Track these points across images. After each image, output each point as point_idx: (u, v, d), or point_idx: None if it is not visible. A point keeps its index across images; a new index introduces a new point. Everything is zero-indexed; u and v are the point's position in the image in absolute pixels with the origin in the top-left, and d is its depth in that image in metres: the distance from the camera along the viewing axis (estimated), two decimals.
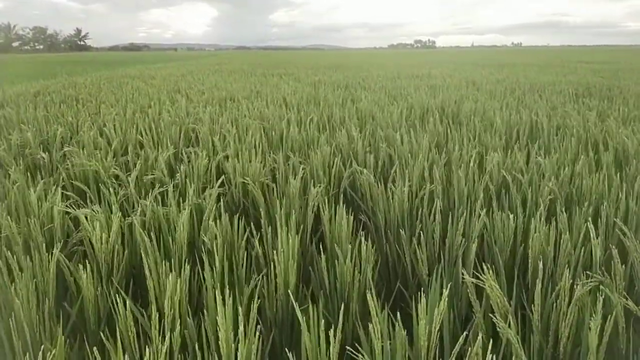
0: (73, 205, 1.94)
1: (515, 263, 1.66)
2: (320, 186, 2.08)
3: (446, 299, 1.12)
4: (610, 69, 12.64)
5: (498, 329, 1.16)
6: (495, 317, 1.17)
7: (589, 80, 8.35)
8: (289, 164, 2.57)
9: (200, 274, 1.47)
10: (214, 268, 1.43)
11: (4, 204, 1.90)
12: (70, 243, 1.79)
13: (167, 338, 1.09)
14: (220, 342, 1.07)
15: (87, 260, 1.46)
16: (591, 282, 1.21)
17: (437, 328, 1.11)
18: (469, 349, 1.08)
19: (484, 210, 1.75)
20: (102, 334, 1.21)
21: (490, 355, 1.00)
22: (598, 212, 1.75)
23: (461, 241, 1.61)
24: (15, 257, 1.40)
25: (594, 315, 1.08)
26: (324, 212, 1.81)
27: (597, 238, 1.42)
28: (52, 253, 1.42)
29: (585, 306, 1.19)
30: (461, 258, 1.57)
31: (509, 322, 1.17)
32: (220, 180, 2.24)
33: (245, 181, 2.25)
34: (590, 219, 1.60)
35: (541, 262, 1.33)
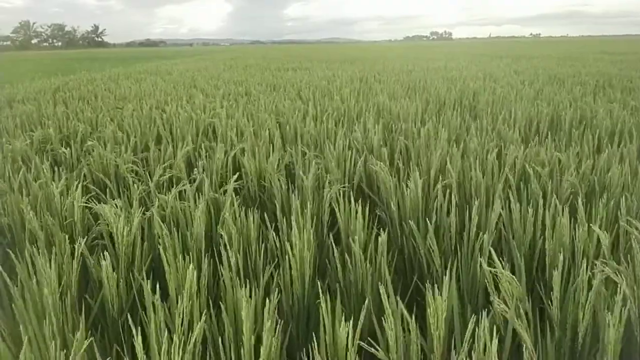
0: (94, 200, 1.98)
1: (534, 256, 1.65)
2: (335, 180, 2.08)
3: (454, 283, 1.12)
4: (631, 59, 12.37)
5: (502, 316, 1.16)
6: (505, 306, 1.17)
7: (610, 71, 8.18)
8: (304, 159, 2.58)
9: (218, 266, 1.49)
10: (231, 261, 1.44)
11: (27, 198, 1.94)
12: (91, 236, 1.82)
13: (187, 328, 1.11)
14: (243, 332, 1.09)
15: (107, 253, 1.49)
16: (604, 272, 1.19)
17: (444, 316, 1.11)
18: (484, 341, 1.07)
19: (502, 203, 1.73)
20: (124, 323, 1.23)
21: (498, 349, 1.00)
22: (619, 205, 1.73)
23: (478, 233, 1.60)
24: (38, 250, 1.43)
25: (609, 307, 1.07)
26: (337, 205, 1.81)
27: (606, 233, 1.40)
28: (74, 246, 1.45)
29: (603, 298, 1.17)
30: (478, 251, 1.56)
31: (525, 313, 1.16)
32: (236, 175, 2.26)
33: (261, 178, 2.27)
34: (603, 212, 1.57)
35: (561, 254, 1.32)
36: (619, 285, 1.12)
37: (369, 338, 1.20)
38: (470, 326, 1.08)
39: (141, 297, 1.25)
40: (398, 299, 1.20)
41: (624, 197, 1.72)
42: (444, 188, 2.04)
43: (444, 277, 1.19)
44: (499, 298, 1.27)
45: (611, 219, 1.73)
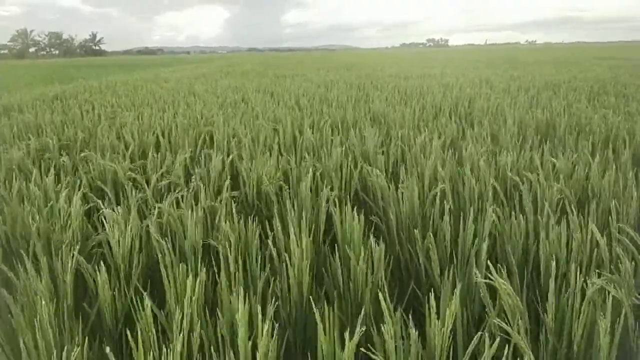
0: (92, 208, 1.99)
1: (527, 261, 1.66)
2: (331, 187, 2.09)
3: (458, 300, 1.13)
4: (626, 65, 12.45)
5: (508, 330, 1.17)
6: (503, 318, 1.18)
7: (605, 77, 8.23)
8: (301, 166, 2.59)
9: (216, 274, 1.50)
10: (229, 269, 1.45)
11: (26, 207, 1.95)
12: (89, 245, 1.83)
13: (184, 338, 1.12)
14: (239, 341, 1.09)
15: (105, 261, 1.50)
16: (601, 280, 1.21)
17: (450, 328, 1.12)
18: (484, 349, 1.08)
19: (496, 210, 1.75)
20: (120, 332, 1.24)
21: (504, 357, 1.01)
22: (611, 211, 1.74)
23: (473, 241, 1.61)
24: (36, 258, 1.44)
25: (603, 314, 1.08)
26: (335, 213, 1.83)
27: (603, 237, 1.41)
28: (72, 255, 1.46)
29: (597, 305, 1.19)
30: (474, 258, 1.57)
31: (519, 322, 1.17)
32: (233, 181, 2.27)
33: (259, 186, 2.28)
34: (596, 218, 1.59)
35: (553, 262, 1.33)
36: (609, 292, 1.14)
37: (369, 343, 1.21)
38: (475, 341, 1.09)
39: (138, 306, 1.26)
40: (399, 310, 1.21)
41: (614, 203, 1.73)
42: (439, 195, 2.06)
43: (441, 285, 1.20)
44: (495, 309, 1.28)
45: (602, 225, 1.74)
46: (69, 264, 1.44)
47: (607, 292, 1.18)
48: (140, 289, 1.51)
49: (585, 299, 1.17)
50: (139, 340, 1.12)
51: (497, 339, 1.08)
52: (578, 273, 1.24)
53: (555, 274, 1.26)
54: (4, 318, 1.38)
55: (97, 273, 1.42)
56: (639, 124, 3.35)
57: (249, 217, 1.80)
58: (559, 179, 2.13)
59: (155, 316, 1.36)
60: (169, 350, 1.10)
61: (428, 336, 1.17)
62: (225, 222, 1.73)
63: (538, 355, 1.25)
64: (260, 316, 1.10)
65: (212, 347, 1.25)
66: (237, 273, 1.48)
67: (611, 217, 1.63)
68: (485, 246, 1.52)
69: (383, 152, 2.90)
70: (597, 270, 1.40)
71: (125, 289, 1.52)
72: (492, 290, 1.34)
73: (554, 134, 3.46)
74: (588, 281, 1.24)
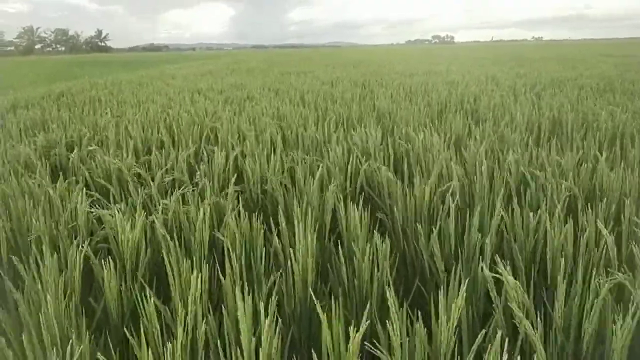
0: (97, 204, 1.99)
1: (535, 261, 1.65)
2: (336, 184, 2.09)
3: (464, 296, 1.12)
4: (632, 62, 12.35)
5: (516, 323, 1.16)
6: (509, 315, 1.17)
7: (611, 74, 8.17)
8: (306, 163, 2.58)
9: (219, 271, 1.50)
10: (233, 265, 1.45)
11: (30, 203, 1.95)
12: (94, 240, 1.83)
13: (189, 333, 1.11)
14: (242, 338, 1.09)
15: (110, 257, 1.50)
16: (612, 279, 1.19)
17: (455, 325, 1.11)
18: (489, 346, 1.08)
19: (503, 207, 1.73)
20: (125, 329, 1.24)
21: (508, 354, 1.00)
22: (621, 209, 1.73)
23: (479, 238, 1.60)
24: (42, 254, 1.44)
25: (616, 313, 1.07)
26: (340, 209, 1.82)
27: (611, 235, 1.40)
28: (78, 250, 1.46)
29: (607, 304, 1.18)
30: (479, 255, 1.56)
31: (529, 318, 1.16)
32: (237, 178, 2.27)
33: (263, 182, 2.28)
34: (609, 216, 1.58)
35: (562, 259, 1.32)
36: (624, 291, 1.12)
37: (373, 340, 1.20)
38: (480, 338, 1.08)
39: (143, 302, 1.26)
40: (405, 306, 1.21)
41: (623, 201, 1.72)
42: (445, 192, 2.05)
43: (446, 281, 1.20)
44: (499, 304, 1.27)
45: (613, 223, 1.73)
46: (78, 259, 1.44)
47: (618, 289, 1.17)
48: (146, 284, 1.51)
49: (600, 296, 1.16)
50: (143, 336, 1.12)
51: (501, 334, 1.07)
52: (591, 271, 1.22)
53: (563, 272, 1.25)
54: (11, 313, 1.38)
55: (104, 269, 1.42)
56: None
57: (254, 214, 1.79)
58: (566, 177, 2.12)
59: (160, 312, 1.36)
60: (172, 347, 1.10)
61: (433, 332, 1.17)
62: (232, 218, 1.72)
63: (546, 353, 1.25)
64: (263, 312, 1.10)
65: (217, 343, 1.24)
66: (242, 269, 1.48)
67: (623, 216, 1.61)
68: (489, 241, 1.50)
69: (388, 148, 2.88)
70: (607, 269, 1.39)
71: (131, 285, 1.53)
72: (498, 288, 1.33)
73: (561, 131, 3.43)
74: (596, 280, 1.23)
